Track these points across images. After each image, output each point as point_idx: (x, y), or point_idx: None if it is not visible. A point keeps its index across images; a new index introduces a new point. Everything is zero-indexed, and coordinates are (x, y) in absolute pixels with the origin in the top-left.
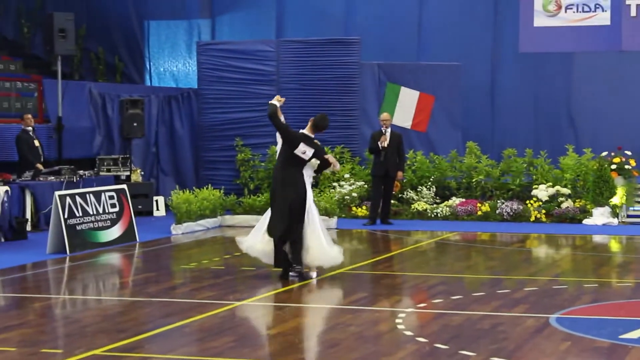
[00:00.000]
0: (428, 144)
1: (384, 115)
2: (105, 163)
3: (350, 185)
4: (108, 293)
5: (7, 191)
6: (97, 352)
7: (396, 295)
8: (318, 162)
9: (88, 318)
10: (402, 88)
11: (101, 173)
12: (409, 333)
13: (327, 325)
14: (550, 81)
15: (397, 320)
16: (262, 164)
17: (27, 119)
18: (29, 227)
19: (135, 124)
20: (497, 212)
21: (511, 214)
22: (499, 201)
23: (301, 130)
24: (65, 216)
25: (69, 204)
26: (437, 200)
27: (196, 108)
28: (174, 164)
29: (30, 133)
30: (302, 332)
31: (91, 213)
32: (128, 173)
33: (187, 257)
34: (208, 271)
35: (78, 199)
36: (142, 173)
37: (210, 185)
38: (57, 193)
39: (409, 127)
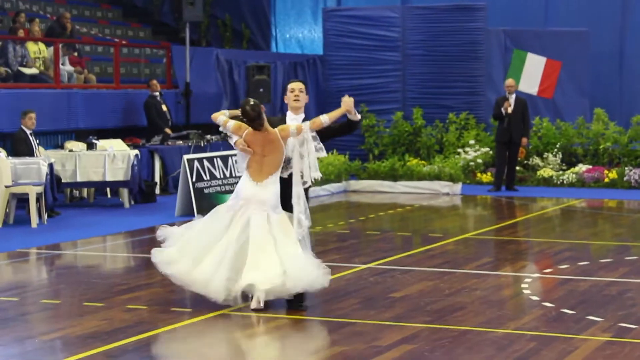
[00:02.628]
0: (554, 110)
1: (509, 82)
2: None
3: (475, 151)
4: None
5: (136, 155)
6: (225, 311)
7: (521, 261)
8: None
9: None
10: (529, 54)
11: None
12: (534, 298)
13: (453, 289)
14: None
15: (523, 285)
16: (387, 129)
17: (154, 85)
18: (157, 191)
19: (261, 90)
20: (625, 179)
21: (639, 181)
22: (626, 168)
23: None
24: (193, 179)
25: (197, 168)
26: (563, 167)
27: (321, 74)
28: None
29: (158, 98)
30: (428, 296)
31: (218, 177)
32: None
33: (313, 221)
34: (333, 235)
35: (206, 162)
36: None
37: (335, 150)
38: (185, 157)
39: (535, 94)
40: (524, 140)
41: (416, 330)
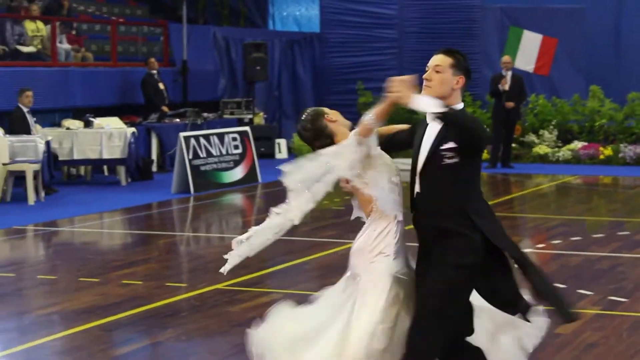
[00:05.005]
0: (550, 87)
1: (505, 58)
2: (228, 106)
3: None
4: (231, 231)
5: (133, 133)
6: (219, 286)
7: (516, 236)
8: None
9: (211, 255)
10: (525, 31)
11: (225, 116)
12: None
13: None
14: None
15: None
16: None
17: (151, 63)
18: (154, 168)
19: (258, 68)
20: (620, 155)
21: (634, 157)
22: (621, 145)
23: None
24: (190, 157)
25: (194, 146)
26: (559, 144)
27: (318, 52)
28: (296, 108)
29: (155, 76)
30: None
31: (215, 154)
32: (251, 116)
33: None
34: (329, 211)
35: (202, 140)
36: (265, 116)
37: None
38: (181, 134)
39: (531, 71)
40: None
41: None
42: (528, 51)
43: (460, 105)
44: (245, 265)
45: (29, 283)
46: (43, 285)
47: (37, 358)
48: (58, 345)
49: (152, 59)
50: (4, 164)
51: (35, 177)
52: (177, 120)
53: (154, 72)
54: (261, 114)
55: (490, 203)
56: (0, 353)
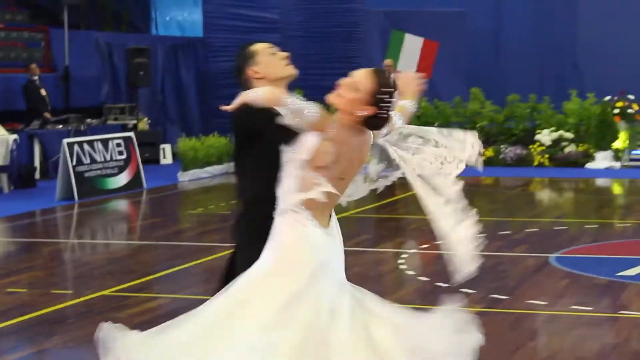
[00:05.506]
0: (432, 90)
1: (387, 62)
2: (112, 112)
3: None
4: (116, 237)
5: (15, 139)
6: (105, 292)
7: (399, 238)
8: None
9: (97, 261)
10: (407, 35)
11: (108, 122)
12: (411, 272)
13: None
14: (555, 26)
15: (400, 261)
16: None
17: (32, 69)
18: (37, 175)
19: (141, 73)
20: (501, 157)
21: (515, 158)
22: (502, 146)
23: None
24: (74, 163)
25: (77, 152)
26: None
27: (202, 56)
28: (181, 113)
29: (37, 82)
30: None
31: (99, 160)
32: (135, 121)
33: (194, 202)
34: (215, 216)
35: (86, 146)
36: (149, 121)
37: (216, 132)
38: (65, 141)
39: None
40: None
41: None
42: (410, 54)
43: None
44: (131, 271)
45: None
46: None
47: None
48: None
49: (33, 65)
50: None
51: None
52: (60, 126)
53: (35, 78)
54: (145, 119)
55: (374, 205)
56: None
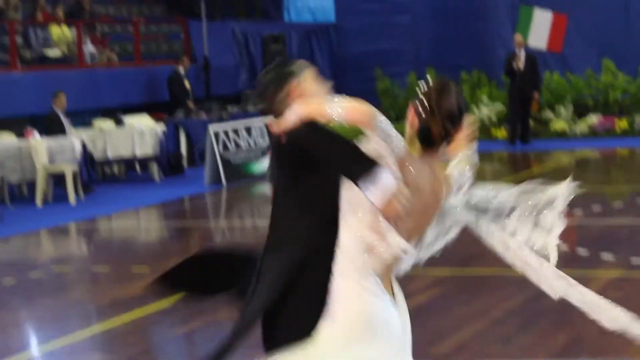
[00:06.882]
0: (563, 63)
1: (517, 37)
2: (250, 98)
3: (488, 107)
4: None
5: (163, 131)
6: None
7: None
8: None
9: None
10: (535, 9)
11: (247, 108)
12: None
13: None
14: None
15: None
16: (402, 91)
17: (184, 61)
18: (185, 163)
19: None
20: (636, 127)
21: None
22: (637, 116)
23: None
24: (220, 149)
25: (223, 139)
26: (575, 119)
27: (335, 41)
28: None
29: (182, 74)
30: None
31: (243, 146)
32: None
33: None
34: None
35: (230, 133)
36: None
37: None
38: (210, 128)
39: (544, 49)
40: (536, 94)
41: (443, 276)
42: (540, 29)
43: None
44: None
45: (85, 276)
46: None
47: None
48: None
49: (185, 57)
50: (43, 166)
51: (73, 177)
52: (203, 115)
53: (181, 69)
54: None
55: (511, 179)
56: None
